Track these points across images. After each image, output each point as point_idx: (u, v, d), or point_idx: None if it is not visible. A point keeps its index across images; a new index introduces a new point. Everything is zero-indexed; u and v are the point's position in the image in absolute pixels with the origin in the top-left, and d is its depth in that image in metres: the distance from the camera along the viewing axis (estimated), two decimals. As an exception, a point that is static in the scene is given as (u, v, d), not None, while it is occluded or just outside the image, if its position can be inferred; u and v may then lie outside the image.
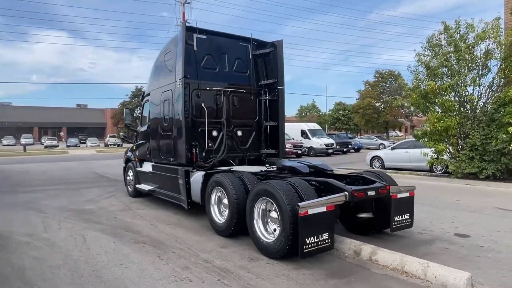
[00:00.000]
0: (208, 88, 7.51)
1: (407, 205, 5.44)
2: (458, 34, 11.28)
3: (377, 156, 15.99)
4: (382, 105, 42.98)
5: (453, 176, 11.68)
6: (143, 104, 9.68)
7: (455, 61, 11.31)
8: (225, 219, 5.75)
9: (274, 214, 4.79)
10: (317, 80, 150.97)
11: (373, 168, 15.78)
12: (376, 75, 46.29)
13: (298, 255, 4.20)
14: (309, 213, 4.24)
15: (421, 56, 11.76)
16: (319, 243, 4.36)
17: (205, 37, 7.69)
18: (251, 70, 8.25)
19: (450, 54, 11.33)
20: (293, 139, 26.07)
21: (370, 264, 4.54)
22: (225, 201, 5.81)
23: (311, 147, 26.04)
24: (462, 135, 11.60)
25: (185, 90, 7.20)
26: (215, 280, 4.07)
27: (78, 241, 5.68)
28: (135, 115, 28.62)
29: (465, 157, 11.04)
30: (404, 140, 16.06)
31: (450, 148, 11.76)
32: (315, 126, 28.68)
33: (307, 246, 4.23)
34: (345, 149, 26.59)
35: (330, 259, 4.75)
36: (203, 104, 7.39)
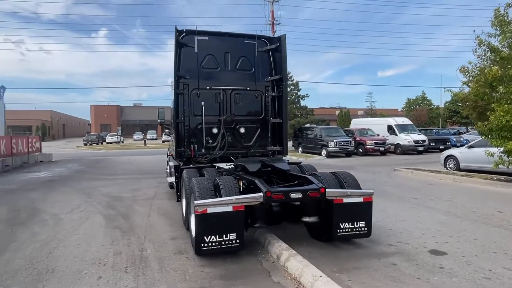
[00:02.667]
0: (208, 87, 7.84)
1: (360, 211, 4.89)
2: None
3: (451, 155, 13.78)
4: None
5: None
6: None
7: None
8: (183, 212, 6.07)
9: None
10: (441, 69, 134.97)
11: (448, 169, 13.73)
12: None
13: (194, 252, 4.28)
14: (209, 211, 4.26)
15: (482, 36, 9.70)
16: (223, 242, 4.34)
17: (206, 38, 8.02)
18: (257, 67, 8.25)
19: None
20: (378, 135, 24.23)
21: (280, 270, 4.29)
22: None
23: (398, 144, 23.76)
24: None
25: (184, 90, 7.71)
26: (123, 267, 4.46)
27: (79, 222, 6.74)
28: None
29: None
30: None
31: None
32: (404, 121, 26.01)
33: (206, 245, 4.27)
34: (441, 147, 23.36)
35: (248, 260, 4.64)
36: (202, 103, 7.77)
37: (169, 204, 8.43)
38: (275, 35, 31.81)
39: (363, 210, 4.91)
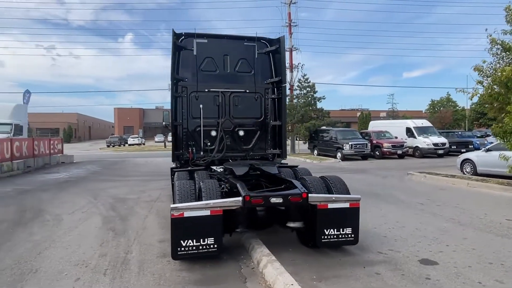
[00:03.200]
0: (206, 90, 7.84)
1: (347, 217, 4.72)
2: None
3: (468, 159, 13.17)
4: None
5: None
6: None
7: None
8: None
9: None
10: (469, 69, 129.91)
11: (464, 174, 13.16)
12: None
13: (171, 256, 4.25)
14: (185, 215, 4.23)
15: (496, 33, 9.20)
16: (200, 247, 4.29)
17: (205, 41, 8.03)
18: (257, 69, 8.19)
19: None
20: (396, 137, 23.59)
21: (257, 277, 4.20)
22: None
23: (417, 147, 23.03)
24: None
25: (183, 92, 7.75)
26: (103, 270, 4.49)
27: (78, 223, 6.87)
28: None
29: None
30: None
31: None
32: (424, 123, 25.15)
33: (182, 249, 4.24)
34: (463, 150, 22.42)
35: (229, 265, 4.58)
36: (200, 106, 7.78)
37: (168, 206, 8.46)
38: (292, 37, 31.91)
39: (350, 216, 4.73)
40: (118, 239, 5.78)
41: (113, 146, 50.78)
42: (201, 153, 7.80)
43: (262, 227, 5.27)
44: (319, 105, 27.70)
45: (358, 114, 58.41)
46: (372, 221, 6.69)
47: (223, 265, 4.57)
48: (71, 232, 6.28)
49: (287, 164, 7.83)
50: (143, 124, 76.92)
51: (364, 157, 21.93)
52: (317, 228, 4.64)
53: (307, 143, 27.31)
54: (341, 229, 4.70)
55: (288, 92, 30.62)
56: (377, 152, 22.52)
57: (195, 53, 7.87)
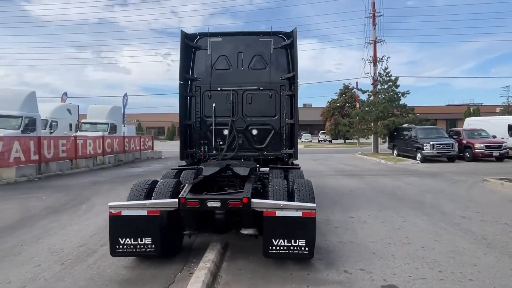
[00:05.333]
0: (219, 89, 7.83)
1: (300, 228, 4.20)
2: None
3: None
4: None
5: None
6: None
7: None
8: None
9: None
10: None
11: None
12: None
13: (109, 252, 4.35)
14: (123, 214, 4.28)
15: None
16: (138, 246, 4.30)
17: (220, 39, 8.01)
18: (272, 65, 7.85)
19: None
20: (494, 137, 19.99)
21: (182, 283, 4.00)
22: None
23: (519, 148, 19.17)
24: None
25: (196, 92, 7.89)
26: (66, 259, 4.84)
27: (97, 214, 7.58)
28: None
29: None
30: None
31: None
32: (534, 119, 20.74)
33: (120, 247, 4.30)
34: None
35: (172, 267, 4.46)
36: (213, 104, 7.81)
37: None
38: (376, 29, 29.60)
39: (303, 227, 4.18)
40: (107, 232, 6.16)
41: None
42: (214, 152, 7.82)
43: (221, 231, 5.03)
44: (402, 100, 25.17)
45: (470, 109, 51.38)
46: (377, 234, 5.83)
47: (167, 266, 4.50)
48: (83, 222, 6.93)
49: (298, 165, 7.33)
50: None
51: (451, 158, 19.15)
52: (264, 237, 4.23)
53: (386, 142, 25.18)
54: (292, 240, 4.19)
55: (371, 87, 28.64)
56: (467, 154, 19.44)
57: (209, 52, 7.91)
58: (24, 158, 13.99)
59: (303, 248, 4.19)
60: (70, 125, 24.48)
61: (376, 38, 28.80)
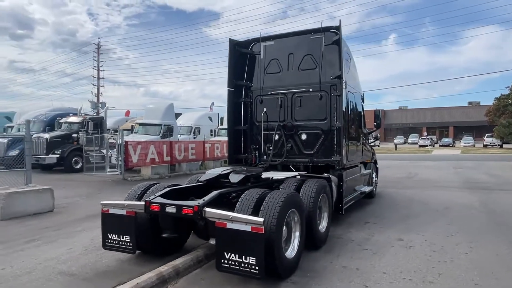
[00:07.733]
0: (269, 93, 7.74)
1: (249, 244, 3.85)
2: None
3: None
4: None
5: None
6: None
7: None
8: None
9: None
10: None
11: None
12: None
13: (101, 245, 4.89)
14: (110, 212, 4.79)
15: None
16: (120, 243, 4.73)
17: (272, 42, 7.91)
18: (323, 65, 7.27)
19: None
20: None
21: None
22: None
23: None
24: None
25: (247, 97, 8.01)
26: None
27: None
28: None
29: None
30: None
31: None
32: None
33: (108, 241, 4.82)
34: None
35: (146, 265, 4.60)
36: (264, 109, 7.76)
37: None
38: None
39: (253, 243, 3.78)
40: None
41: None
42: (264, 157, 7.75)
43: (204, 238, 4.96)
44: None
45: None
46: (406, 264, 4.65)
47: (143, 264, 4.66)
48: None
49: (327, 175, 6.60)
50: (384, 125, 75.56)
51: None
52: (216, 248, 4.03)
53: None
54: (243, 256, 3.84)
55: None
56: None
57: (262, 57, 7.89)
58: (158, 159, 16.78)
59: (252, 267, 3.80)
60: (211, 131, 27.79)
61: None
